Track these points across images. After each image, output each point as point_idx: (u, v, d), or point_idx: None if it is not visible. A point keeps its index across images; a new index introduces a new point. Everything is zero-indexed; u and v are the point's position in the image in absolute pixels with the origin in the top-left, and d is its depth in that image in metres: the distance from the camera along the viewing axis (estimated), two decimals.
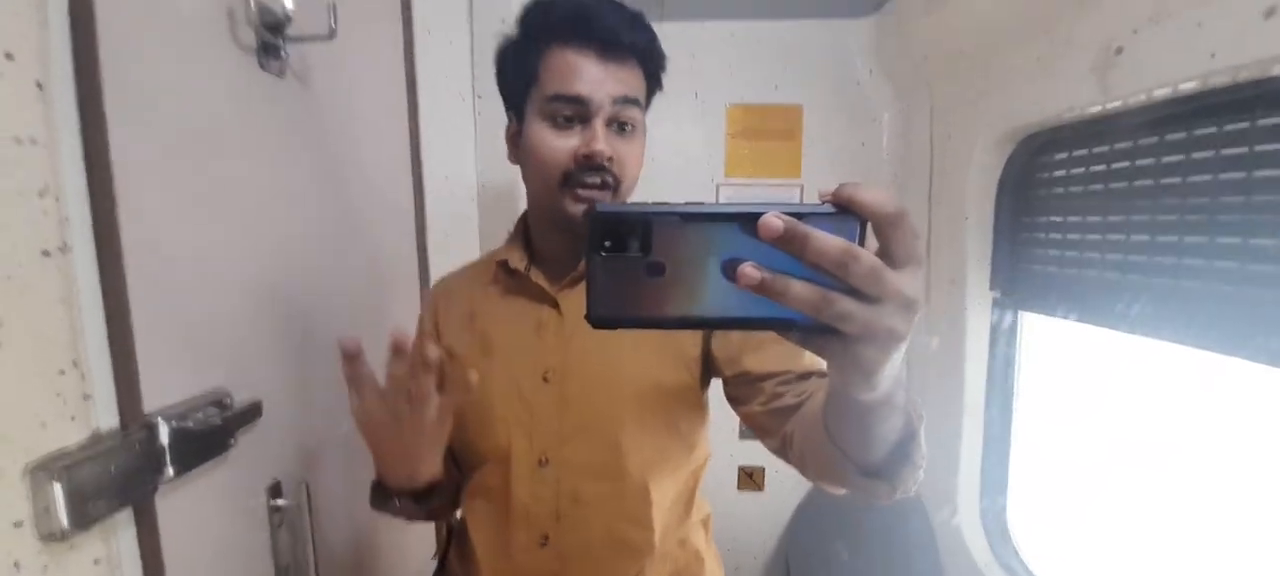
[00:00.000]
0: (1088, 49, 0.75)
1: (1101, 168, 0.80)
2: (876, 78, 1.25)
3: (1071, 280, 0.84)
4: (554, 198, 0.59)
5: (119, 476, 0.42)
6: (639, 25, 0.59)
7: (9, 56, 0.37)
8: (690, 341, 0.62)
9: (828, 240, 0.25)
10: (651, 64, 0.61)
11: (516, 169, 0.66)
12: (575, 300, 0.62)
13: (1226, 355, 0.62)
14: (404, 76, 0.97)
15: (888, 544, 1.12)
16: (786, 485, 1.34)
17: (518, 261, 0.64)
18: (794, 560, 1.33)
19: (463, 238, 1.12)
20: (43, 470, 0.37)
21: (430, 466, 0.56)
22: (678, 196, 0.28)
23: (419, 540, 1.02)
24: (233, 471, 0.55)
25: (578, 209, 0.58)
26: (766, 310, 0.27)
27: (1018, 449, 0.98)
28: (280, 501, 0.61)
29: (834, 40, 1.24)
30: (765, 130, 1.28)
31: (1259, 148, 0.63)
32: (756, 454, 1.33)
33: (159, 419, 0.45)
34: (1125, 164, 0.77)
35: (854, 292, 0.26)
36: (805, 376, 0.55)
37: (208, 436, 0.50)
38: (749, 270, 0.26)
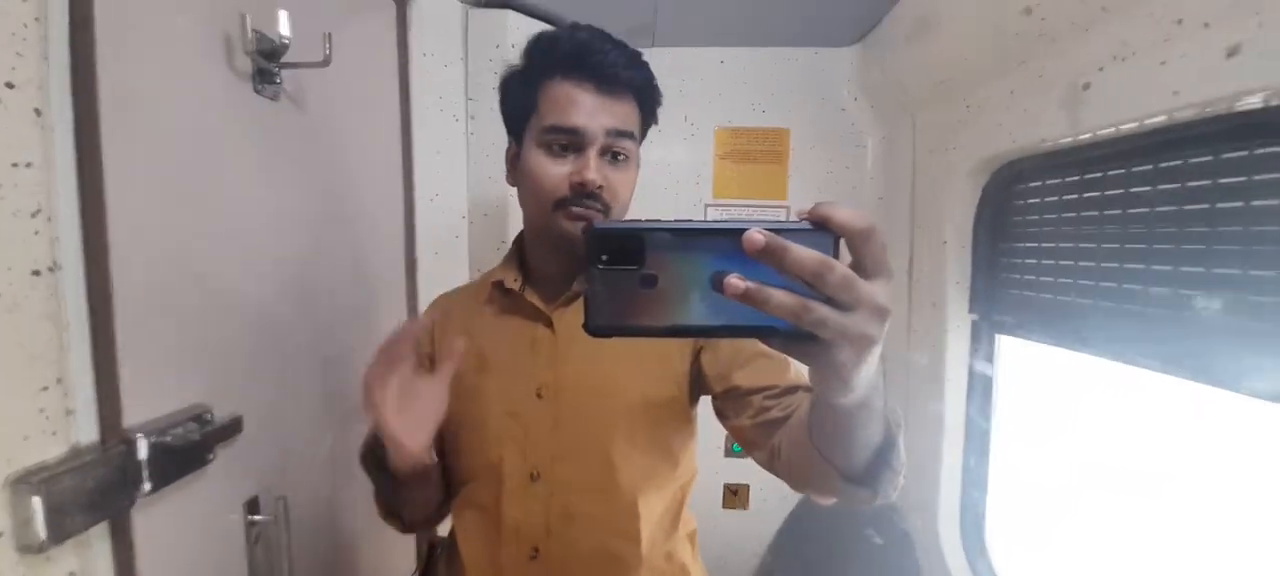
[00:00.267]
0: (1057, 84, 0.78)
1: (1073, 196, 0.82)
2: (860, 105, 1.28)
3: (1045, 304, 0.86)
4: (549, 219, 0.61)
5: (96, 490, 0.43)
6: (636, 64, 0.62)
7: (9, 86, 0.39)
8: (680, 358, 0.64)
9: (805, 253, 0.28)
10: (647, 100, 0.64)
11: (508, 191, 0.68)
12: (569, 319, 0.64)
13: (1187, 380, 0.64)
14: (398, 98, 1.00)
15: (869, 561, 1.12)
16: (771, 502, 1.34)
17: (512, 281, 0.66)
18: None
19: (452, 257, 1.14)
20: (24, 483, 0.38)
21: (422, 438, 0.56)
22: (667, 216, 0.31)
23: (399, 556, 1.02)
24: (211, 486, 0.56)
25: (572, 227, 0.60)
26: (751, 318, 0.29)
27: (996, 468, 0.99)
28: (258, 516, 0.62)
29: (820, 68, 1.28)
30: (752, 153, 1.31)
31: (1222, 180, 0.65)
32: (742, 472, 1.33)
33: (138, 434, 0.47)
34: (1095, 193, 0.79)
35: (830, 301, 0.28)
36: (791, 390, 0.56)
37: (186, 451, 0.51)
38: (734, 281, 0.28)
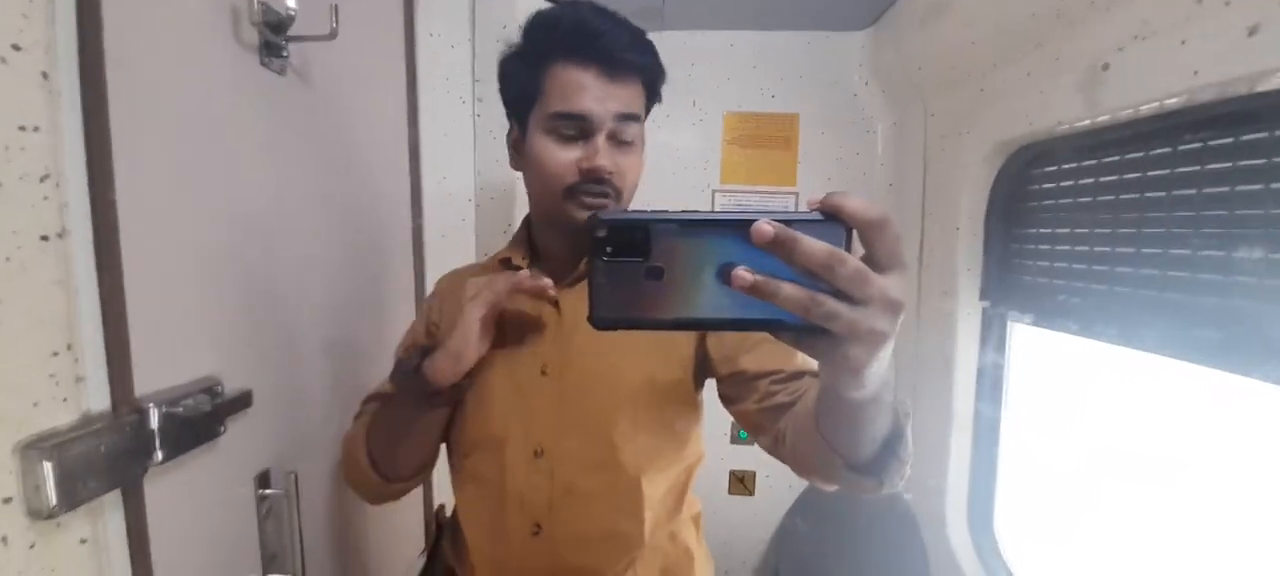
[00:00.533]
0: (1075, 66, 0.77)
1: (1089, 181, 0.81)
2: (871, 89, 1.26)
3: (1058, 291, 0.85)
4: (558, 206, 0.60)
5: (108, 458, 0.43)
6: (641, 44, 0.61)
7: (16, 48, 0.38)
8: (685, 341, 0.63)
9: (815, 245, 0.27)
10: (652, 80, 0.63)
11: (515, 175, 0.67)
12: (574, 299, 0.64)
13: (1207, 366, 0.63)
14: (405, 78, 0.99)
15: (876, 550, 1.12)
16: (777, 490, 1.35)
17: (520, 260, 0.66)
18: (783, 564, 1.33)
19: (459, 238, 1.14)
20: (34, 448, 0.38)
21: (466, 361, 0.58)
22: (674, 202, 0.30)
23: (407, 532, 1.02)
24: (222, 458, 0.56)
25: (581, 214, 0.59)
26: (759, 311, 0.28)
27: (1005, 456, 0.98)
28: (268, 490, 0.62)
29: (830, 51, 1.26)
30: (761, 138, 1.29)
31: (1242, 162, 0.64)
32: (747, 458, 1.33)
33: (150, 404, 0.46)
34: (1113, 177, 0.78)
35: (841, 294, 0.27)
36: (798, 375, 0.56)
37: (197, 422, 0.51)
38: (742, 273, 0.27)
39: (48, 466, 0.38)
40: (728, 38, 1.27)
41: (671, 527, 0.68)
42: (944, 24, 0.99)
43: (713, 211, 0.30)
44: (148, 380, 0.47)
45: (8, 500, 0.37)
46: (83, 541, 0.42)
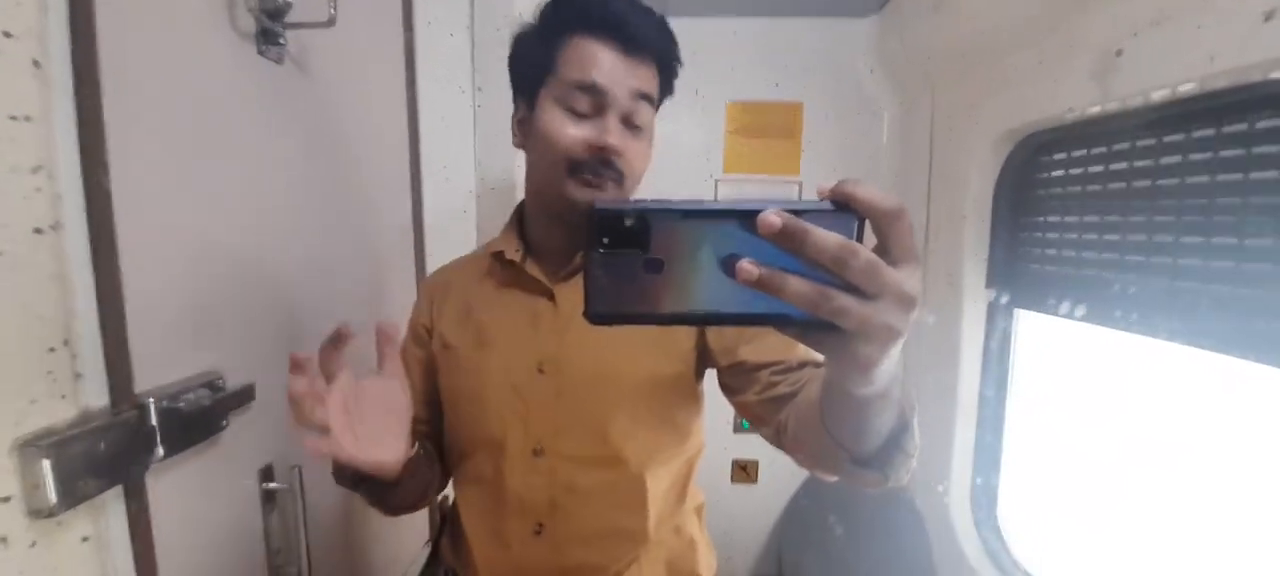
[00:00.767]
0: (1088, 51, 0.75)
1: (1099, 168, 0.80)
2: (877, 76, 1.25)
3: (1068, 278, 0.84)
4: (559, 183, 0.58)
5: (109, 455, 0.42)
6: (662, 28, 0.60)
7: (7, 35, 0.37)
8: (685, 333, 0.62)
9: (826, 236, 0.25)
10: (668, 66, 0.62)
11: (517, 167, 0.66)
12: (570, 292, 0.62)
13: (1220, 354, 0.62)
14: (404, 68, 0.97)
15: (879, 537, 1.13)
16: (780, 478, 1.35)
17: (513, 253, 0.64)
18: (786, 553, 1.33)
19: (460, 229, 1.12)
20: (32, 446, 0.37)
21: (394, 447, 0.51)
22: (676, 191, 0.29)
23: (411, 526, 1.02)
24: (225, 453, 0.55)
25: (582, 194, 0.58)
26: (764, 306, 0.27)
27: (1010, 445, 0.98)
28: (272, 485, 0.61)
29: (835, 38, 1.24)
30: (765, 127, 1.28)
31: (1256, 149, 0.63)
32: (750, 447, 1.33)
33: (149, 399, 0.46)
34: (1124, 165, 0.77)
35: (852, 288, 0.26)
36: (800, 366, 0.55)
37: (199, 417, 0.50)
38: (748, 266, 0.26)
39: (46, 464, 0.38)
40: (732, 25, 1.25)
41: (675, 520, 0.67)
42: (954, 10, 0.97)
43: (716, 201, 0.29)
44: (147, 375, 0.46)
45: (7, 499, 0.37)
46: (85, 539, 0.42)
